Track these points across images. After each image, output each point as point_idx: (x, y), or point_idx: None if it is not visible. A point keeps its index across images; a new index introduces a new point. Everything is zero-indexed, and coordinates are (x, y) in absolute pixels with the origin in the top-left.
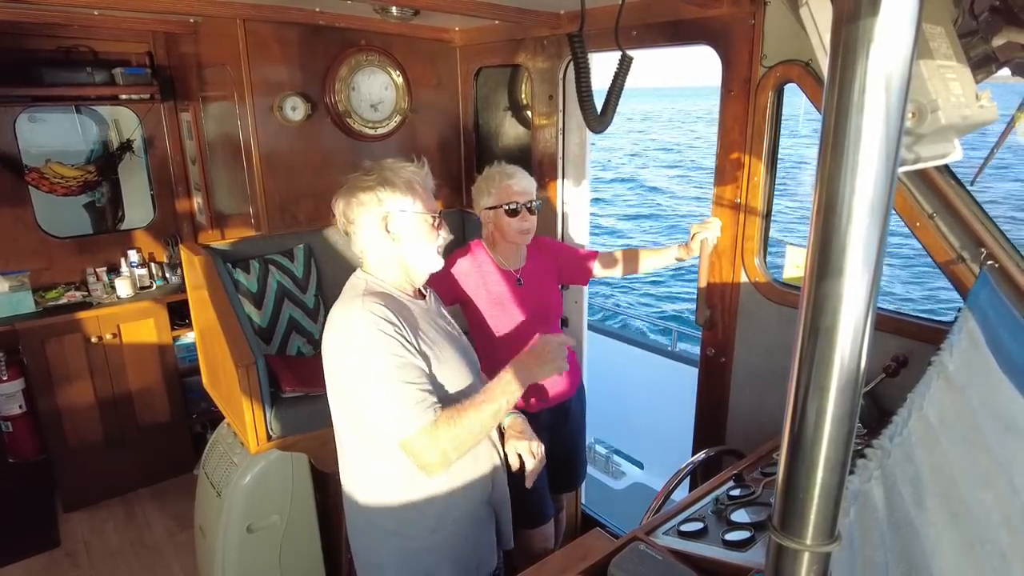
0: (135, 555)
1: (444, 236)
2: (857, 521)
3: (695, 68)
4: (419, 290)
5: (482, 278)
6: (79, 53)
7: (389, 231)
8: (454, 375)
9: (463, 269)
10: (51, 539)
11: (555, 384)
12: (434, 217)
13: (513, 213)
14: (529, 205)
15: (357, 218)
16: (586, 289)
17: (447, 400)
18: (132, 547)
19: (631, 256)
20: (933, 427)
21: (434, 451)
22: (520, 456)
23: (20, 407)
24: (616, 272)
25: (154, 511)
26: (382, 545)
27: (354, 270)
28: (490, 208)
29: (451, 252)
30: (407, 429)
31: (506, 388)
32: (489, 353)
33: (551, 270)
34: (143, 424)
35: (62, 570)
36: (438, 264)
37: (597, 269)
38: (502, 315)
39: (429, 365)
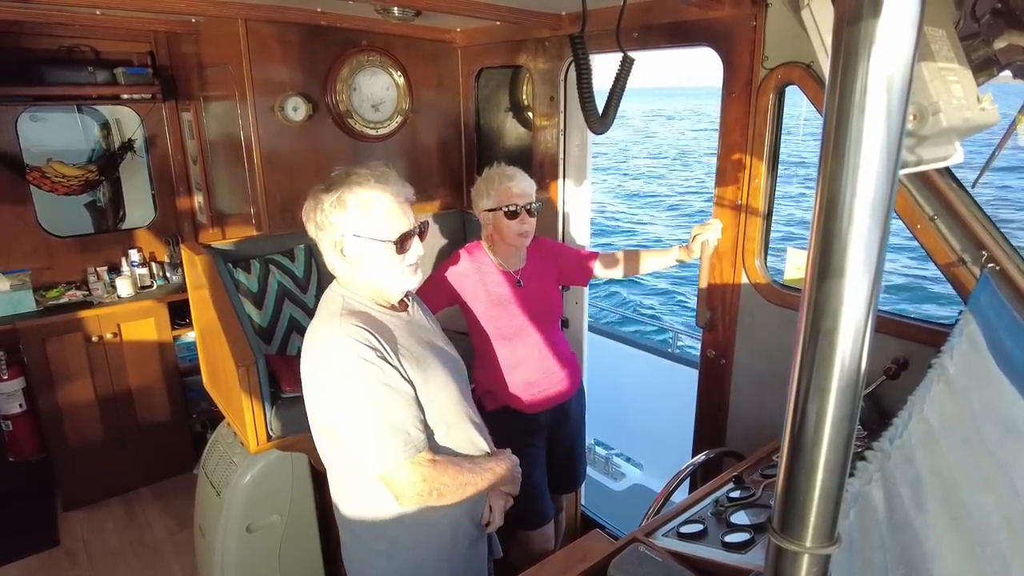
0: (135, 554)
1: (415, 253)
2: (857, 523)
3: (682, 70)
4: (402, 299)
5: (481, 279)
6: (81, 52)
7: (345, 255)
8: (441, 389)
9: (462, 270)
10: (51, 538)
11: (554, 385)
12: (399, 240)
13: (512, 215)
14: (529, 207)
15: (316, 239)
16: (586, 290)
17: (436, 415)
18: (132, 546)
19: (632, 257)
20: (933, 429)
21: (413, 488)
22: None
23: (20, 406)
24: (617, 273)
25: (154, 511)
26: (372, 564)
27: None
28: (489, 210)
29: (451, 253)
30: (387, 463)
31: (491, 476)
32: (488, 355)
33: (551, 271)
34: (143, 423)
35: (61, 569)
36: (409, 284)
37: (598, 270)
38: (502, 316)
39: (414, 383)
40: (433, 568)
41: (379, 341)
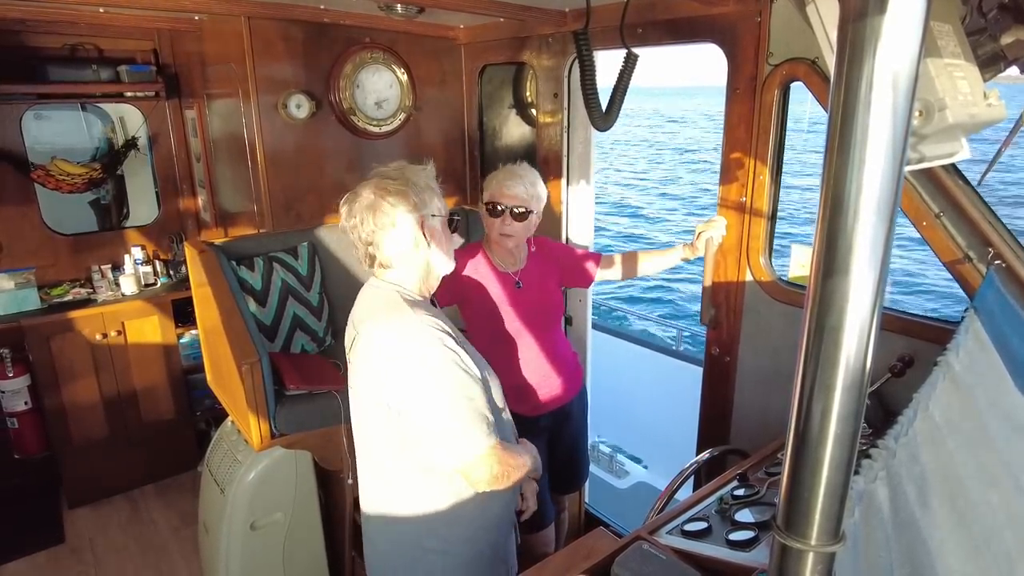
0: (139, 552)
1: (458, 238)
2: (862, 521)
3: (676, 70)
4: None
5: (481, 280)
6: (85, 51)
7: (417, 236)
8: (487, 378)
9: (462, 270)
10: (56, 535)
11: (555, 387)
12: (451, 219)
13: (495, 213)
14: (513, 209)
15: (392, 223)
16: (590, 288)
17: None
18: (136, 544)
19: (634, 258)
20: (939, 427)
21: (490, 472)
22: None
23: (26, 403)
24: (618, 274)
25: (158, 508)
26: (422, 563)
27: (358, 267)
28: (484, 204)
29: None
30: (477, 448)
31: (528, 458)
32: (487, 357)
33: (553, 273)
34: (148, 421)
35: (67, 566)
36: (452, 266)
37: (600, 272)
38: (500, 318)
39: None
40: (489, 558)
41: (450, 328)
